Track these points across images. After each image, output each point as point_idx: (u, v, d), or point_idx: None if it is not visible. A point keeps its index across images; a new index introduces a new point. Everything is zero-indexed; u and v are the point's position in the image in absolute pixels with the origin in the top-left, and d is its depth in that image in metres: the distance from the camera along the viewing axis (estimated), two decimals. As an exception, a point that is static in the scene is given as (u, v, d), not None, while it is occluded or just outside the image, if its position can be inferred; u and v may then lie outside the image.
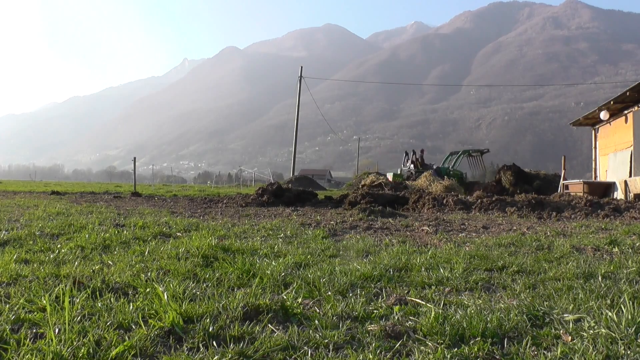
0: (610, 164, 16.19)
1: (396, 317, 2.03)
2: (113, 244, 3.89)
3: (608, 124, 16.92)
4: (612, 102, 15.18)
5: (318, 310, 2.14)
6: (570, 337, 1.80)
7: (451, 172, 25.04)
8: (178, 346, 1.73)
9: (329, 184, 69.45)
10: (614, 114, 16.13)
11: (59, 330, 1.75)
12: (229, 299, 2.24)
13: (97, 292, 2.32)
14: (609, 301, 2.26)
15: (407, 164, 25.87)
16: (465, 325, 1.86)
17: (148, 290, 2.35)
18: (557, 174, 19.68)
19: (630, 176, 13.82)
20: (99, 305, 2.11)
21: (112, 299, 2.22)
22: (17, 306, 2.07)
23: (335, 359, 1.63)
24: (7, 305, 2.08)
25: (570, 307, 2.17)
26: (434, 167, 25.26)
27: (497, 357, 1.64)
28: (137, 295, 2.31)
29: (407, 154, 26.62)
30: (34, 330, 1.81)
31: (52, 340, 1.66)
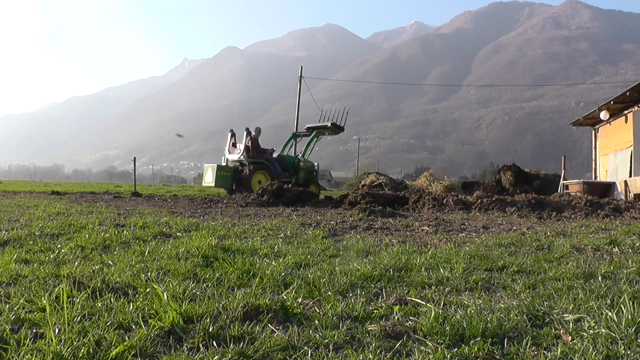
0: (610, 164, 16.19)
1: (396, 317, 2.03)
2: (113, 244, 3.89)
3: (608, 124, 16.93)
4: (612, 102, 15.19)
5: (318, 310, 2.14)
6: (570, 337, 1.80)
7: (301, 164, 17.57)
8: (178, 346, 1.73)
9: (329, 184, 69.43)
10: (614, 114, 16.14)
11: (59, 330, 1.75)
12: (229, 299, 2.24)
13: (97, 292, 2.32)
14: (609, 301, 2.26)
15: (234, 150, 17.30)
16: (465, 325, 1.86)
17: (148, 290, 2.35)
18: (557, 174, 19.67)
19: (630, 176, 13.82)
20: (99, 305, 2.11)
21: (112, 299, 2.22)
22: (17, 306, 2.07)
23: (335, 359, 1.63)
24: (7, 305, 2.08)
25: (570, 307, 2.17)
26: (275, 154, 17.72)
27: (497, 357, 1.64)
28: (137, 295, 2.31)
29: (233, 134, 17.48)
30: (34, 330, 1.81)
31: (52, 340, 1.66)
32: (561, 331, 1.87)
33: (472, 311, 2.05)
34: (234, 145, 17.55)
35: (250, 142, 17.00)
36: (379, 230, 5.48)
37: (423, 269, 3.03)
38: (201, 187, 22.50)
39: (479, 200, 9.04)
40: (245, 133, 16.95)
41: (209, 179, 16.63)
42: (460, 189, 19.21)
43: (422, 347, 1.71)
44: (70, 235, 4.38)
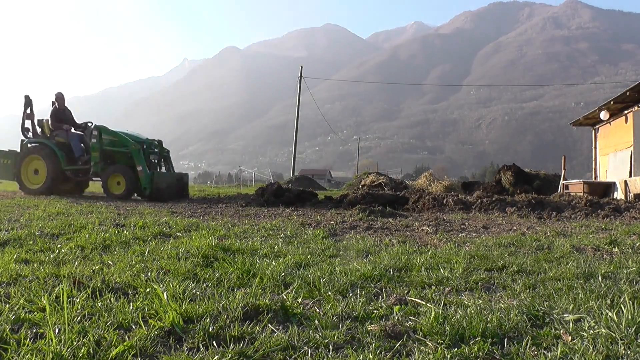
0: (610, 164, 16.20)
1: (396, 317, 2.04)
2: (113, 244, 3.89)
3: (608, 124, 16.93)
4: (612, 102, 15.19)
5: (318, 310, 2.14)
6: (570, 337, 1.80)
7: (93, 140, 11.53)
8: (178, 346, 1.73)
9: (329, 184, 69.39)
10: (614, 114, 16.14)
11: (59, 330, 1.75)
12: (229, 299, 2.24)
13: (97, 292, 2.33)
14: (609, 301, 2.26)
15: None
16: (465, 325, 1.86)
17: (148, 290, 2.35)
18: (557, 174, 19.67)
19: (630, 176, 13.82)
20: (99, 305, 2.11)
21: (112, 299, 2.22)
22: (17, 306, 2.07)
23: (335, 359, 1.63)
24: (7, 305, 2.08)
25: (570, 307, 2.17)
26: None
27: (497, 357, 1.64)
28: (137, 295, 2.31)
29: (29, 102, 12.71)
30: (34, 330, 1.81)
31: (52, 340, 1.66)
32: (561, 331, 1.86)
33: (472, 311, 2.05)
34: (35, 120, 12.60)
35: (49, 114, 12.22)
36: (379, 230, 5.48)
37: (423, 269, 3.03)
38: (201, 187, 22.20)
39: (479, 200, 9.04)
40: (24, 101, 12.50)
41: None
42: (460, 189, 19.21)
43: (422, 347, 1.71)
44: (70, 235, 4.38)
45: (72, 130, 12.37)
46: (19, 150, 12.83)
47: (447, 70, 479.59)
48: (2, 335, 1.72)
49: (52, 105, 12.56)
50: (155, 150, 12.19)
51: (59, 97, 12.63)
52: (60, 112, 12.47)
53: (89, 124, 12.61)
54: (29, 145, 12.27)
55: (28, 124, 12.66)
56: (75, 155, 11.92)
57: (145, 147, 11.61)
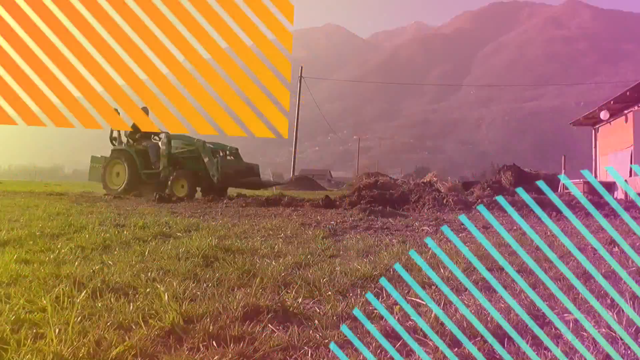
0: (611, 163, 16.20)
1: (396, 317, 2.03)
2: (113, 244, 3.89)
3: (608, 124, 16.95)
4: (612, 102, 15.21)
5: (318, 310, 2.14)
6: (570, 337, 1.80)
7: (162, 147, 13.36)
8: (178, 346, 1.73)
9: (329, 184, 69.24)
10: (614, 114, 16.16)
11: (59, 330, 1.75)
12: (229, 299, 2.24)
13: (97, 292, 2.33)
14: (609, 301, 2.26)
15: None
16: (465, 325, 1.86)
17: (148, 290, 2.35)
18: (557, 174, 19.67)
19: (630, 176, 13.82)
20: (99, 305, 2.11)
21: (112, 299, 2.23)
22: (17, 306, 2.07)
23: (335, 359, 1.63)
24: (7, 306, 2.08)
25: (570, 307, 2.16)
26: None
27: (497, 357, 1.64)
28: (137, 295, 2.31)
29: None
30: (34, 331, 1.81)
31: (52, 340, 1.66)
32: (561, 331, 1.86)
33: (472, 311, 2.05)
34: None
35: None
36: (379, 230, 5.48)
37: (423, 269, 3.02)
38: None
39: (479, 201, 9.04)
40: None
41: None
42: (461, 188, 19.18)
43: (422, 347, 1.71)
44: (70, 235, 4.38)
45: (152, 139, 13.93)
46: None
47: (447, 70, 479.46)
48: (2, 335, 1.72)
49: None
50: (224, 148, 13.78)
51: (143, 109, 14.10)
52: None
53: (162, 134, 13.82)
54: (113, 151, 14.12)
55: (115, 133, 14.28)
56: (152, 161, 13.45)
57: (212, 145, 13.12)
